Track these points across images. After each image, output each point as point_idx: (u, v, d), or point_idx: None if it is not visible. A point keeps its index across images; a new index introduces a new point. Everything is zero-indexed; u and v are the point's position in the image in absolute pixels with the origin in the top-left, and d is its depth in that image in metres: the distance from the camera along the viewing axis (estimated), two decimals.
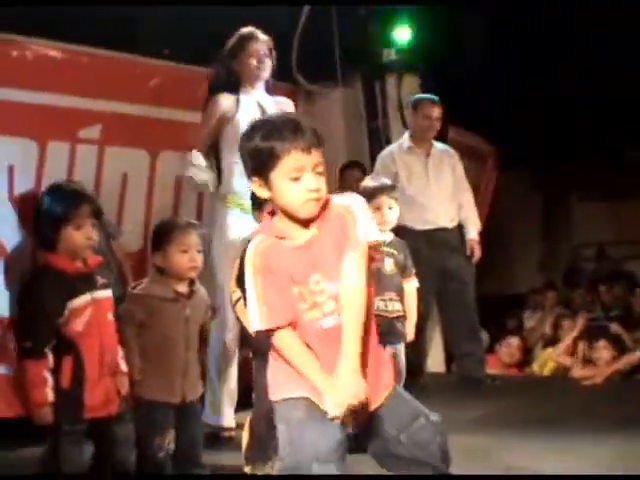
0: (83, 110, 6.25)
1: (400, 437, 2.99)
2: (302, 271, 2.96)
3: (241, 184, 5.10)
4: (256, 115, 5.27)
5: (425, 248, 6.70)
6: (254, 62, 5.44)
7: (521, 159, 10.91)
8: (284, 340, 2.96)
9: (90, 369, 3.96)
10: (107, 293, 4.11)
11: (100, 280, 4.09)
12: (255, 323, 2.99)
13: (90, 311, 3.97)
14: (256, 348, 4.67)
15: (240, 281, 4.73)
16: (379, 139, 8.30)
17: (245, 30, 5.51)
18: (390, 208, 5.19)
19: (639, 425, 5.37)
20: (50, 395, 3.87)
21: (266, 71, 5.51)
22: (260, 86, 5.57)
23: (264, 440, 4.54)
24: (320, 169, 2.94)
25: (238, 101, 5.47)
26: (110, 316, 4.09)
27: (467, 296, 7.11)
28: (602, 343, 7.62)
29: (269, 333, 2.98)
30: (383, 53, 8.31)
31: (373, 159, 7.75)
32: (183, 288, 4.45)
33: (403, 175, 7.03)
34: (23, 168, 5.74)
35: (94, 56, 6.31)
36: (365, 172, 7.31)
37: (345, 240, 2.97)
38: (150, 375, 4.33)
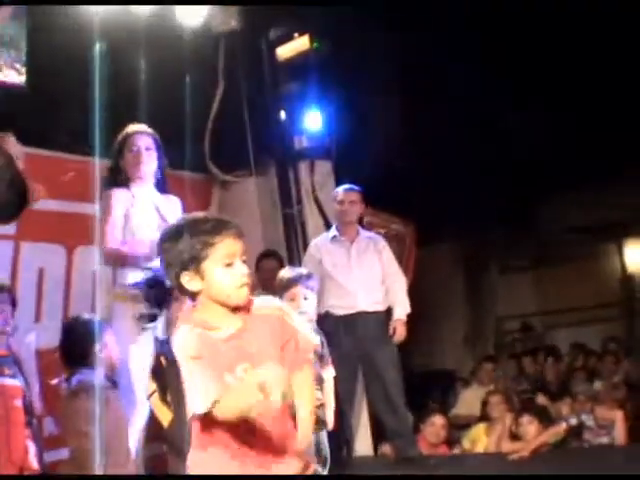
0: None
1: None
2: (230, 360, 3.05)
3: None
4: (151, 212, 5.40)
5: (343, 333, 6.76)
6: (131, 157, 5.58)
7: (440, 235, 11.04)
8: (227, 403, 2.99)
9: None
10: (15, 382, 4.08)
11: (7, 370, 4.05)
12: (196, 406, 3.01)
13: None
14: (171, 442, 4.67)
15: (155, 374, 4.74)
16: (294, 226, 8.34)
17: (127, 129, 5.65)
18: (306, 298, 5.20)
19: None
20: None
21: (147, 165, 5.61)
22: (149, 181, 5.66)
23: None
24: (244, 257, 3.12)
25: (133, 197, 5.57)
26: (18, 403, 4.04)
27: (389, 379, 6.98)
28: (526, 418, 7.62)
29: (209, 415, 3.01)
30: (295, 140, 8.40)
31: (289, 247, 7.82)
32: None
33: (327, 262, 7.04)
34: None
35: None
36: (281, 261, 7.37)
37: (280, 340, 3.15)
38: None
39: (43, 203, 6.40)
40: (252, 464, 3.06)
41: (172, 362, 4.67)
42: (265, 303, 3.21)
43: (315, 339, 3.38)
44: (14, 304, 4.14)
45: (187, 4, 7.19)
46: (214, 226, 3.07)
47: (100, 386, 4.50)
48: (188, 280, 3.06)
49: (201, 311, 3.12)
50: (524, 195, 10.75)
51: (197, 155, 7.53)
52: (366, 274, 7.07)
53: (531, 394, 9.32)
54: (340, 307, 6.95)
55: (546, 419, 7.71)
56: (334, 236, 7.17)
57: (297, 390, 3.15)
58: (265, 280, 6.80)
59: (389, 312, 7.08)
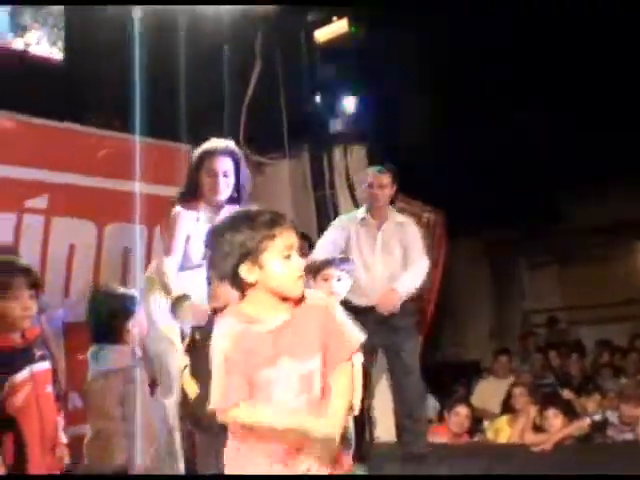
0: (30, 180, 6.24)
1: None
2: (272, 354, 3.09)
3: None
4: None
5: (363, 323, 6.59)
6: (209, 182, 5.32)
7: (470, 227, 11.00)
8: (244, 412, 3.07)
9: (32, 444, 3.87)
10: (45, 365, 4.05)
11: (38, 352, 4.03)
12: (215, 401, 3.10)
13: (29, 386, 3.90)
14: (196, 418, 4.71)
15: (189, 349, 4.78)
16: (327, 210, 8.35)
17: (207, 145, 5.38)
18: (339, 280, 5.22)
19: None
20: (2, 471, 3.77)
21: (223, 194, 5.33)
22: (221, 203, 5.38)
23: None
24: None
25: (197, 220, 5.36)
26: (49, 389, 4.04)
27: (405, 374, 6.77)
28: (552, 412, 7.60)
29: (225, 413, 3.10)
30: (329, 124, 8.38)
31: (321, 230, 7.78)
32: None
33: (353, 246, 6.83)
34: None
35: (43, 127, 6.33)
36: (312, 244, 7.33)
37: (324, 332, 3.16)
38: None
39: (75, 178, 6.55)
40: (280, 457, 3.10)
41: (206, 339, 4.71)
42: (314, 295, 3.28)
43: (361, 335, 3.36)
44: (37, 286, 4.07)
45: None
46: (272, 219, 3.11)
47: (127, 365, 4.49)
48: (246, 271, 3.09)
49: (250, 302, 3.15)
50: (554, 191, 10.70)
51: (232, 136, 7.49)
52: (389, 266, 6.81)
53: (556, 388, 9.28)
54: (358, 297, 6.54)
55: (571, 413, 7.69)
56: (363, 218, 6.92)
57: (335, 383, 3.19)
58: None
59: (412, 302, 6.87)
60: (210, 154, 5.33)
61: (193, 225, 5.34)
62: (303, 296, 3.18)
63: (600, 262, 12.37)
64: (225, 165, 5.32)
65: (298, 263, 3.14)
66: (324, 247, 6.70)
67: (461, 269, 11.40)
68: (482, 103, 9.09)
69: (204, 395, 4.62)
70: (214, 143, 5.38)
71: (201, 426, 4.73)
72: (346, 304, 6.39)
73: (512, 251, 12.62)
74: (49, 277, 6.24)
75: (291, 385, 3.10)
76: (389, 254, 6.83)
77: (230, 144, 5.41)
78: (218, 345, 3.13)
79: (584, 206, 11.55)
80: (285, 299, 3.14)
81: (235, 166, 5.37)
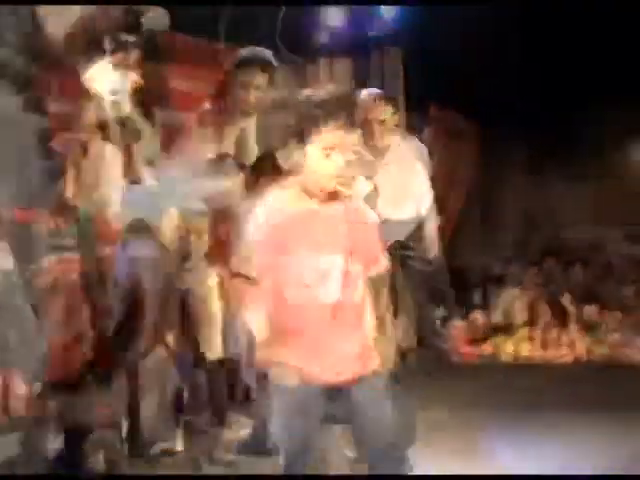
0: None
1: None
2: (293, 240, 3.02)
3: None
4: None
5: None
6: (242, 93, 5.20)
7: (503, 139, 10.90)
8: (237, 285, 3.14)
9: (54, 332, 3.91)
10: (73, 253, 4.08)
11: (69, 240, 4.05)
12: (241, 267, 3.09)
13: (56, 271, 3.92)
14: None
15: None
16: None
17: (245, 54, 5.24)
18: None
19: (596, 408, 5.46)
20: None
21: (252, 105, 5.24)
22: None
23: None
24: (354, 149, 3.05)
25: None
26: (74, 276, 4.05)
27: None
28: (574, 326, 7.68)
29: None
30: (366, 27, 8.19)
31: None
32: None
33: None
34: None
35: None
36: None
37: (352, 232, 3.06)
38: None
39: None
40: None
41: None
42: (345, 194, 3.14)
43: (390, 237, 3.29)
44: None
45: None
46: (328, 112, 2.94)
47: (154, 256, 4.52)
48: (284, 157, 3.03)
49: (285, 187, 3.08)
50: (585, 104, 10.48)
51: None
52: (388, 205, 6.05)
53: (580, 304, 9.29)
54: None
55: (593, 329, 7.76)
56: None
57: (371, 284, 3.13)
58: None
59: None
60: (247, 65, 5.18)
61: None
62: (334, 195, 3.06)
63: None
64: (259, 80, 5.18)
65: (337, 163, 2.96)
66: None
67: (490, 175, 11.33)
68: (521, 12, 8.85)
69: None
70: (251, 53, 5.22)
71: None
72: None
73: (541, 166, 12.52)
74: None
75: (305, 276, 3.02)
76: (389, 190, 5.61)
77: (267, 55, 5.24)
78: (256, 217, 3.07)
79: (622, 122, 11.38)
80: (313, 195, 3.04)
81: (269, 79, 5.23)
